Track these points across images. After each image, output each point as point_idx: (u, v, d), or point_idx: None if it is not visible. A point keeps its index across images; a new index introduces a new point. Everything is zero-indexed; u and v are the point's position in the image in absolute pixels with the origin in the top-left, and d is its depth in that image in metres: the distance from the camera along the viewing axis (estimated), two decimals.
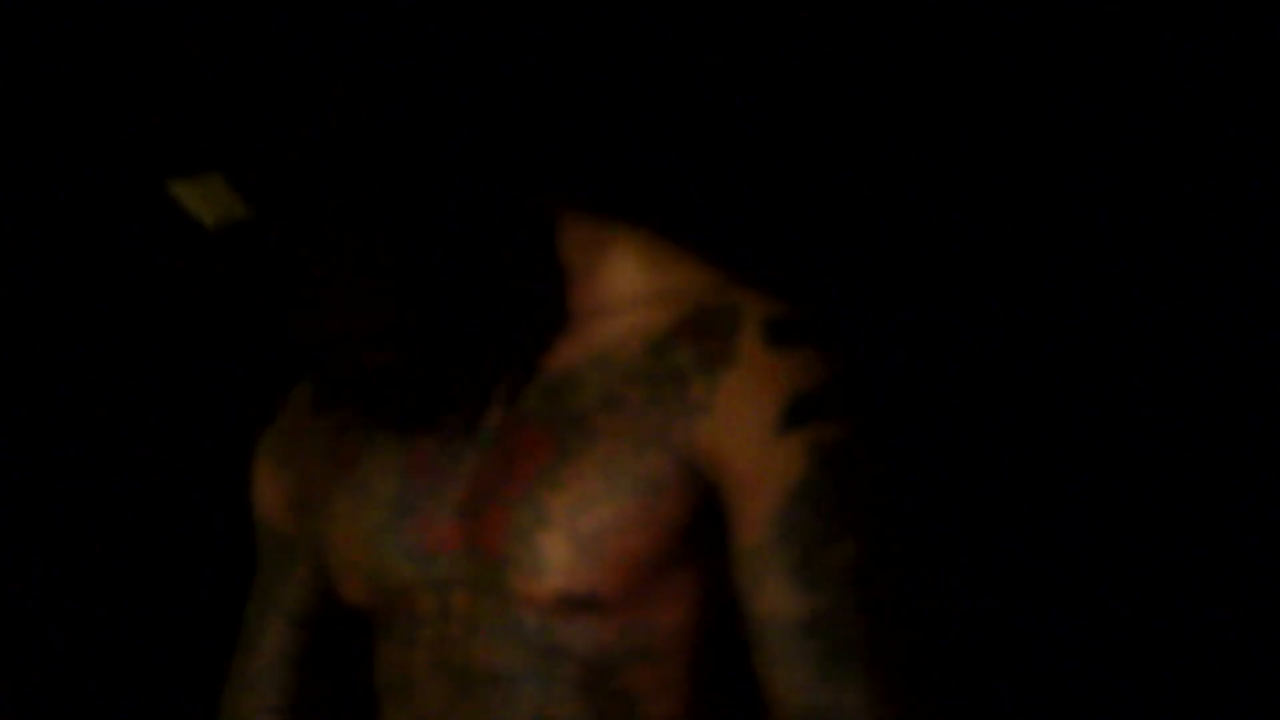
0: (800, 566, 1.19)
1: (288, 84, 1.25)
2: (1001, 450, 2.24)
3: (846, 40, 2.24)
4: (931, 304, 2.25)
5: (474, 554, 1.28)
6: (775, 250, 2.22)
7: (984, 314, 2.25)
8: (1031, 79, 2.24)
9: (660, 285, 1.29)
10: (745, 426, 1.22)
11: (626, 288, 1.30)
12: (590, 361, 1.28)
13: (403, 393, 1.33)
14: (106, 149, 2.36)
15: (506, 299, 1.28)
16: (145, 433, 2.43)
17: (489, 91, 1.28)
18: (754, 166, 2.21)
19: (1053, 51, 2.23)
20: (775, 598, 1.20)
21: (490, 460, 1.29)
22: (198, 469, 2.46)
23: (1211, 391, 2.19)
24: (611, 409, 1.26)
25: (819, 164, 2.23)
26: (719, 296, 1.27)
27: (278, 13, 1.25)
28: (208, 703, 2.46)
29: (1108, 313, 2.24)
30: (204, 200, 1.28)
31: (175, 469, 2.45)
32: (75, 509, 2.44)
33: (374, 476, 1.35)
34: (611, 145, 1.30)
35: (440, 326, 1.27)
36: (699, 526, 1.25)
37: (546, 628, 1.25)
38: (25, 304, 2.42)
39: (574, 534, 1.23)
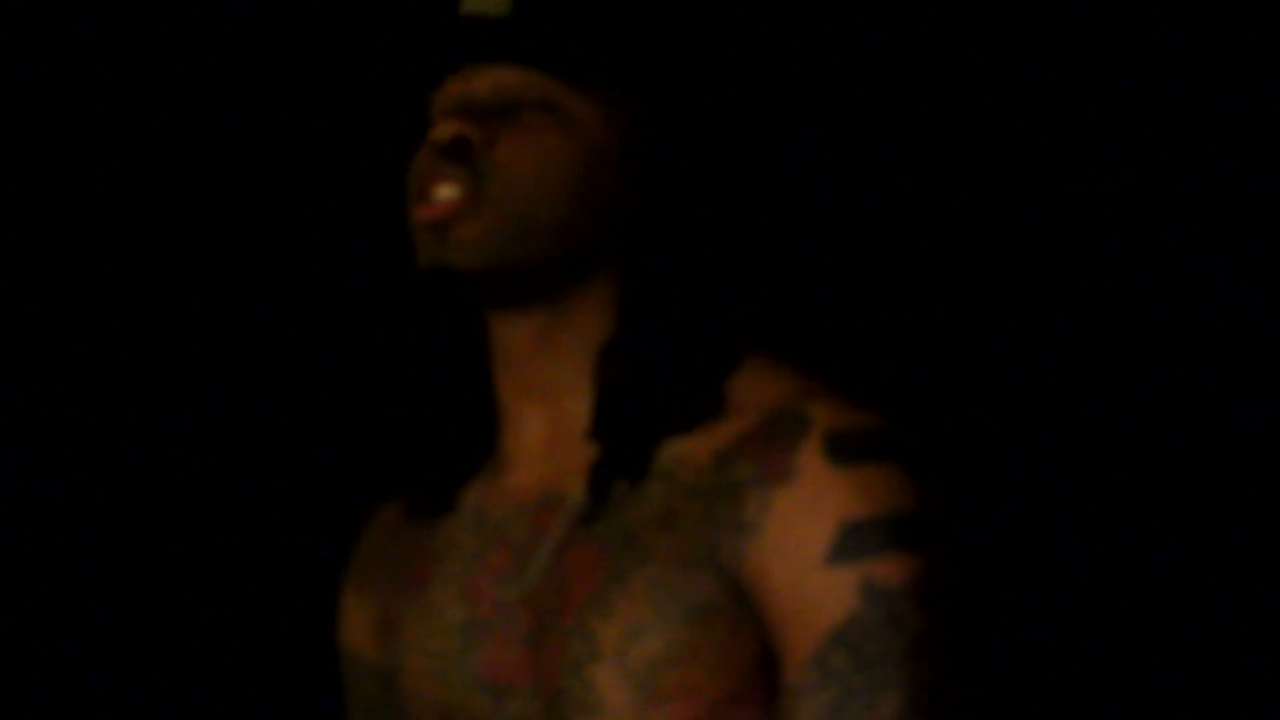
0: (830, 715, 1.09)
1: None
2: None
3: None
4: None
5: (537, 692, 1.19)
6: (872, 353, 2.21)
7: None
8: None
9: (739, 394, 1.20)
10: (793, 553, 1.12)
11: None
12: (656, 473, 1.18)
13: (472, 496, 1.28)
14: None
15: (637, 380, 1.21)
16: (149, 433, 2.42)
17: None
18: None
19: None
20: None
21: (550, 581, 1.20)
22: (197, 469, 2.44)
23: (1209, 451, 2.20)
24: (666, 526, 1.16)
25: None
26: (793, 404, 1.17)
27: None
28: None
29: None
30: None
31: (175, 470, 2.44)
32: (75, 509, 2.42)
33: (441, 599, 1.27)
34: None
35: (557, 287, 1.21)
36: (764, 657, 1.15)
37: None
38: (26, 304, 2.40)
39: (625, 667, 1.14)
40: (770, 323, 1.25)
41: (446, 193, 1.20)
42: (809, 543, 1.11)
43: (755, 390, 1.19)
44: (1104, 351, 2.22)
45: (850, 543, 1.11)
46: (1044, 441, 2.22)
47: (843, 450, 1.13)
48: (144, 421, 2.33)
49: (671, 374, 1.19)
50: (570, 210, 1.21)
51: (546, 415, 1.25)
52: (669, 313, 1.21)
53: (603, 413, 1.20)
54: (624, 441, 1.19)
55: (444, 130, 1.21)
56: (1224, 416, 2.17)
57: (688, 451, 1.18)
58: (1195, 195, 2.19)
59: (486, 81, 1.23)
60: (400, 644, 1.29)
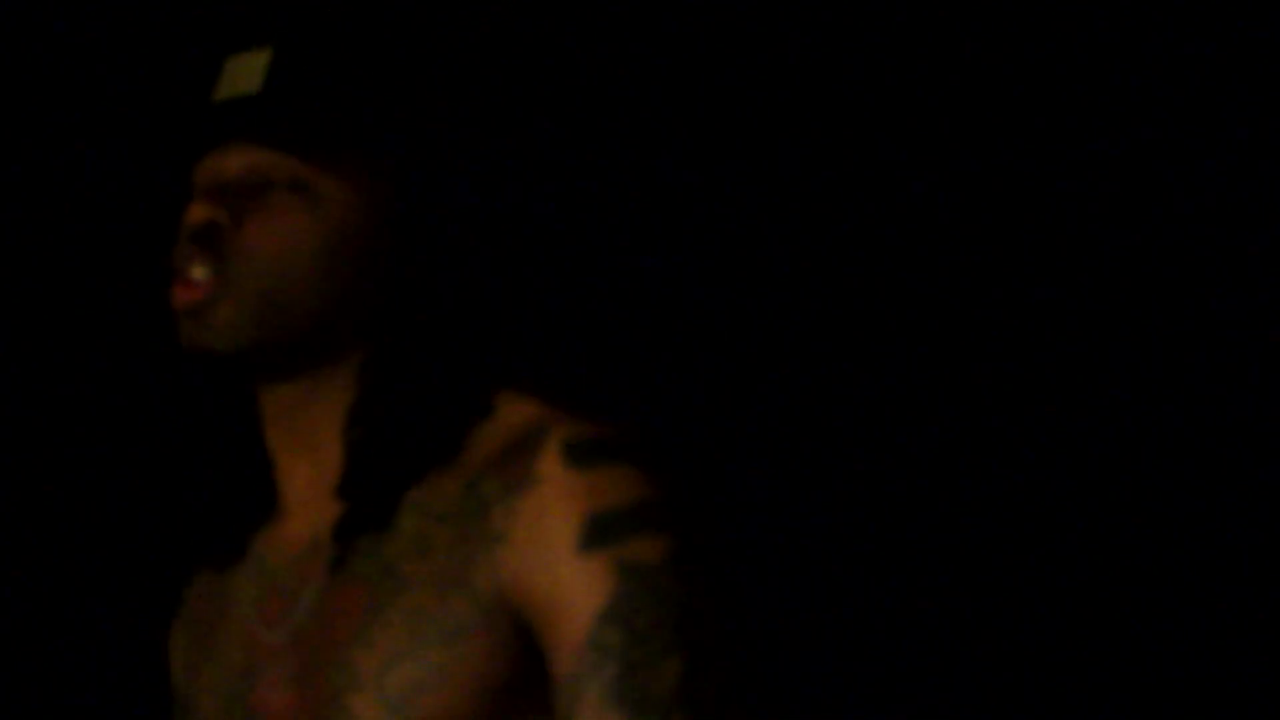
0: (618, 694, 1.13)
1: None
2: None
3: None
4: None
5: None
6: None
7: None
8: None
9: (487, 428, 1.26)
10: (545, 549, 1.17)
11: None
12: (409, 505, 1.25)
13: (255, 545, 1.33)
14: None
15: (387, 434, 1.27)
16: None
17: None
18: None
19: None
20: None
21: (316, 622, 1.25)
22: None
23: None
24: (421, 554, 1.21)
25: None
26: (534, 424, 1.24)
27: None
28: None
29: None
30: (240, 71, 1.29)
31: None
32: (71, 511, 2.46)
33: (225, 644, 1.32)
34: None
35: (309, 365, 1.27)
36: (521, 677, 1.20)
37: None
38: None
39: (382, 694, 1.18)
40: (527, 370, 1.32)
41: (198, 275, 1.26)
42: (558, 537, 1.17)
43: (502, 422, 1.27)
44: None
45: (598, 530, 1.17)
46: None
47: (580, 455, 1.20)
48: None
49: (410, 432, 1.26)
50: (317, 289, 1.27)
51: (309, 467, 1.31)
52: (408, 375, 1.28)
53: (348, 471, 1.27)
54: (367, 497, 1.25)
55: (195, 215, 1.26)
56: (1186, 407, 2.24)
57: (438, 481, 1.24)
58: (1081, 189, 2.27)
59: (239, 160, 1.28)
60: (195, 686, 1.34)
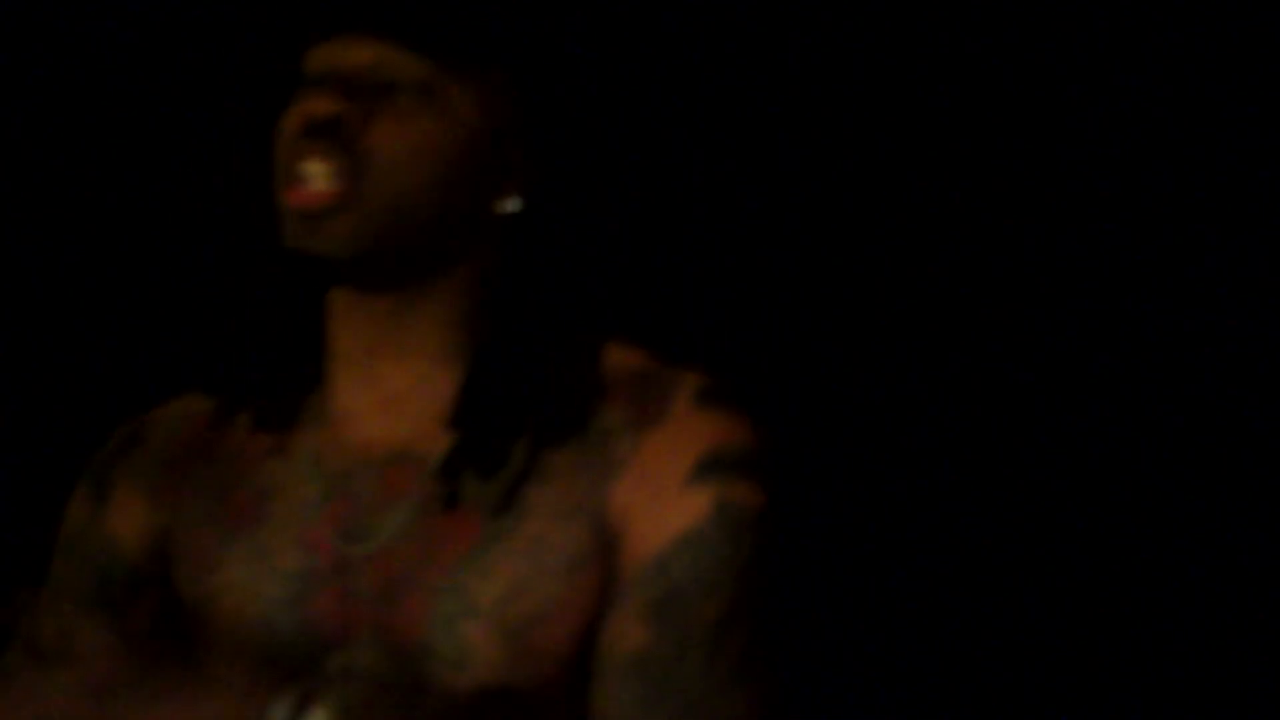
0: (657, 605, 1.15)
1: None
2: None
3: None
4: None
5: (378, 644, 1.20)
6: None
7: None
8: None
9: (598, 362, 1.25)
10: (657, 478, 1.18)
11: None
12: (525, 432, 1.22)
13: (307, 442, 1.27)
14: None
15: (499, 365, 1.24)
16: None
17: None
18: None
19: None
20: (620, 627, 1.16)
21: (410, 539, 1.21)
22: None
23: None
24: (542, 480, 1.20)
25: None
26: (661, 368, 1.24)
27: None
28: None
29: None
30: None
31: None
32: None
33: (274, 544, 1.25)
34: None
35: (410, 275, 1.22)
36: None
37: None
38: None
39: (502, 625, 1.17)
40: (636, 312, 1.33)
41: (318, 171, 1.18)
42: (673, 469, 1.19)
43: (614, 360, 1.25)
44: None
45: (710, 465, 1.18)
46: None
47: (709, 396, 1.21)
48: None
49: (531, 369, 1.23)
50: (442, 201, 1.21)
51: (399, 375, 1.25)
52: (541, 313, 1.25)
53: (467, 407, 1.23)
54: (482, 440, 1.22)
55: (318, 106, 1.18)
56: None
57: (553, 410, 1.23)
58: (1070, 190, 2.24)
59: (366, 55, 1.21)
60: (215, 580, 1.26)
